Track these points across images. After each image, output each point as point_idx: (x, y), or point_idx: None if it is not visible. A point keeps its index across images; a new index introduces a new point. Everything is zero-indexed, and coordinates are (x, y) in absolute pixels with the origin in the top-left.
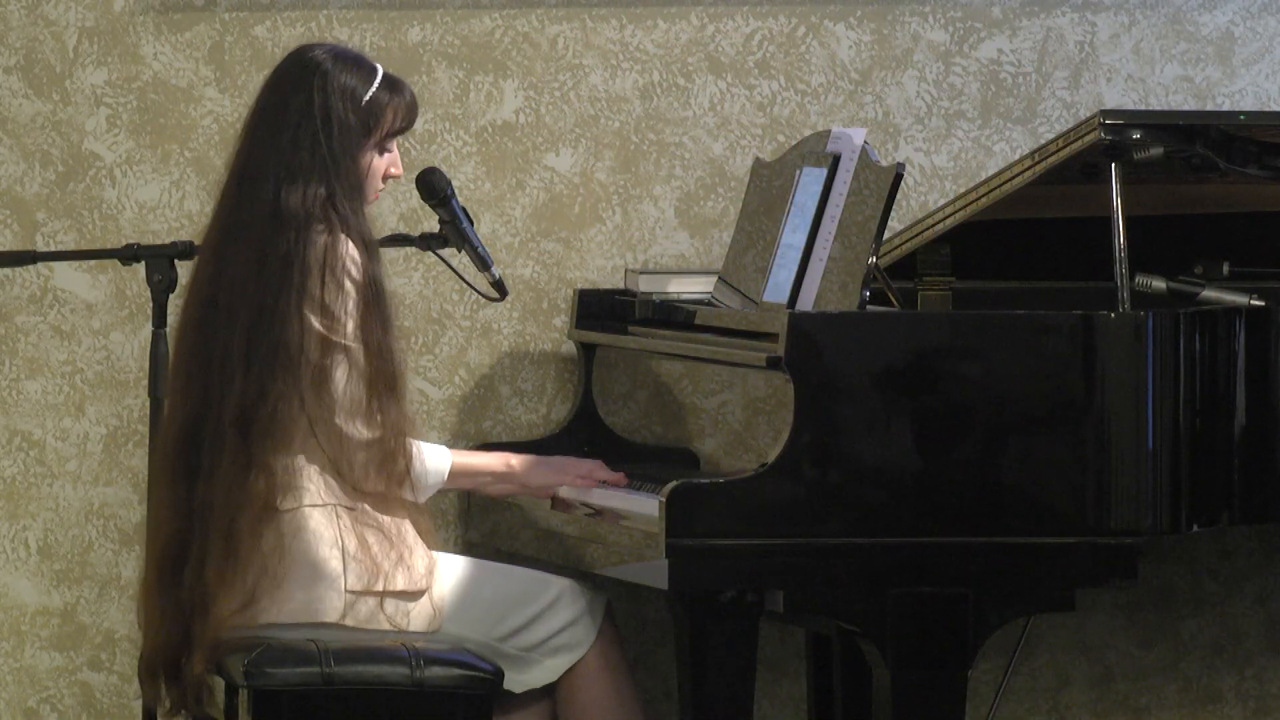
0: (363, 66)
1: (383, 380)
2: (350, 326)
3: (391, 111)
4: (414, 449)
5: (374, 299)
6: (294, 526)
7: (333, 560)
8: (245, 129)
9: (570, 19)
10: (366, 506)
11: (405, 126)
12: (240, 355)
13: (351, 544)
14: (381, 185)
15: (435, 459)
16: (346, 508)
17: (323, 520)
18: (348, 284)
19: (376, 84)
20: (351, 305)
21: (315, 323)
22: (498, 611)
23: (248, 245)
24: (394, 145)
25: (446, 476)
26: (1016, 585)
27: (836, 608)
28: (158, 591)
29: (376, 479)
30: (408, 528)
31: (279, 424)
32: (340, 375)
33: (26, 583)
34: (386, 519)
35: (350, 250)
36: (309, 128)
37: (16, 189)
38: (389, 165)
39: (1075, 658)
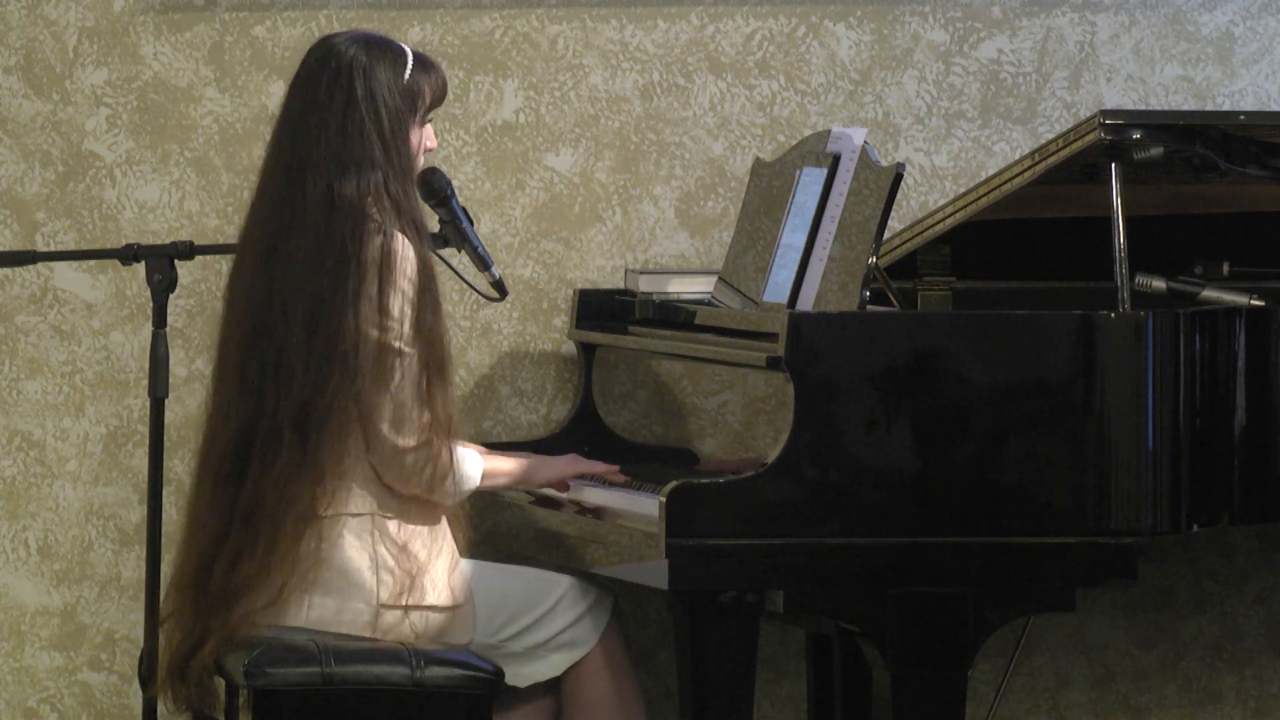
0: (394, 49)
1: (434, 366)
2: (405, 328)
3: (429, 87)
4: (456, 456)
5: (425, 283)
6: (332, 533)
7: (366, 571)
8: (282, 127)
9: (570, 19)
10: (405, 519)
11: (440, 100)
12: (300, 353)
13: (386, 556)
14: (421, 164)
15: (469, 466)
16: (383, 518)
17: (360, 530)
18: (404, 284)
19: (410, 64)
20: (408, 307)
21: (372, 327)
22: (503, 614)
23: (303, 240)
24: (431, 119)
25: (478, 481)
26: (1016, 585)
27: (836, 608)
28: (193, 592)
29: (418, 483)
30: (445, 538)
31: (335, 421)
32: (394, 381)
33: (26, 583)
34: (424, 530)
35: (406, 250)
36: (355, 117)
37: (16, 189)
38: (426, 140)
39: (1075, 658)
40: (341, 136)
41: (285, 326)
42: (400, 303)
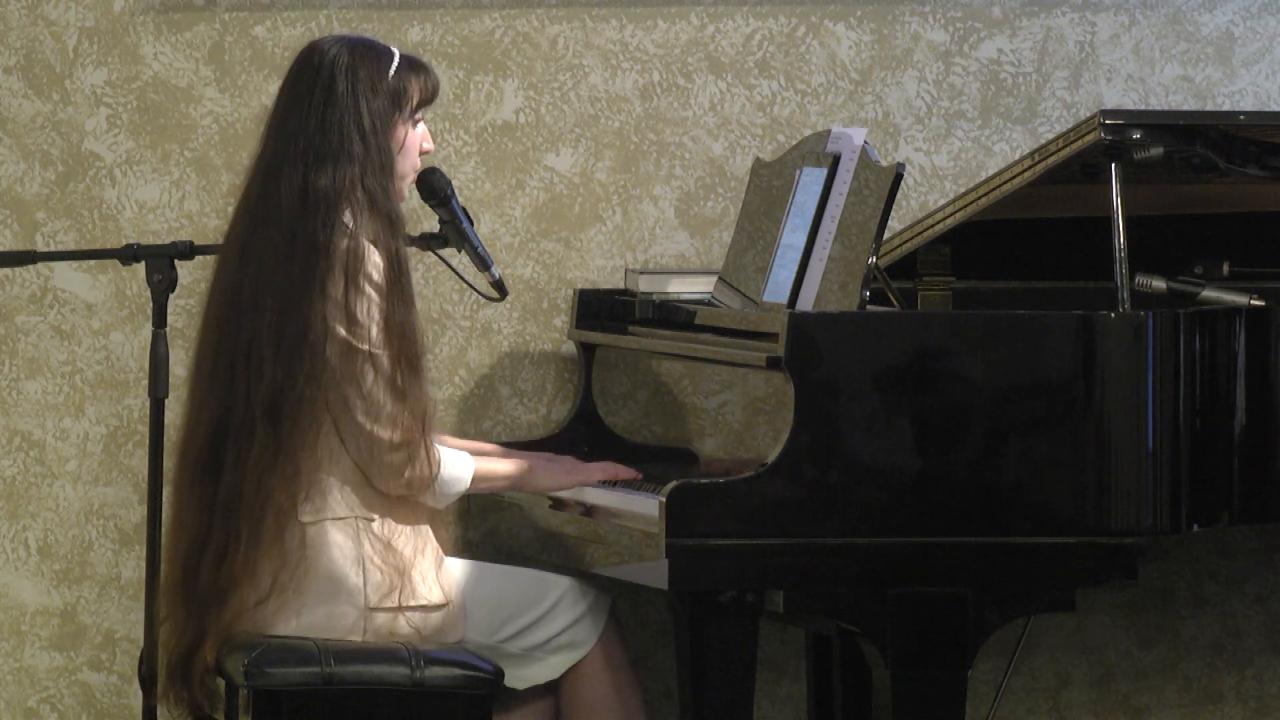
0: (378, 49)
1: (406, 361)
2: (373, 332)
3: (416, 86)
4: (439, 455)
5: (397, 278)
6: (315, 540)
7: (352, 576)
8: (268, 126)
9: (570, 19)
10: (388, 519)
11: (430, 99)
12: (270, 343)
13: (372, 558)
14: (417, 164)
15: (458, 467)
16: (366, 520)
17: (343, 534)
18: (369, 289)
19: (396, 63)
20: (375, 310)
21: (340, 330)
22: (501, 615)
23: (276, 233)
24: (422, 118)
25: (469, 484)
26: (1016, 585)
27: (836, 608)
28: (183, 591)
29: (401, 482)
30: (429, 537)
31: (306, 413)
32: (368, 380)
33: (26, 583)
34: (407, 529)
35: (371, 254)
36: (334, 114)
37: (16, 189)
38: (421, 140)
39: (1075, 658)
40: (320, 133)
41: (255, 317)
42: (366, 306)
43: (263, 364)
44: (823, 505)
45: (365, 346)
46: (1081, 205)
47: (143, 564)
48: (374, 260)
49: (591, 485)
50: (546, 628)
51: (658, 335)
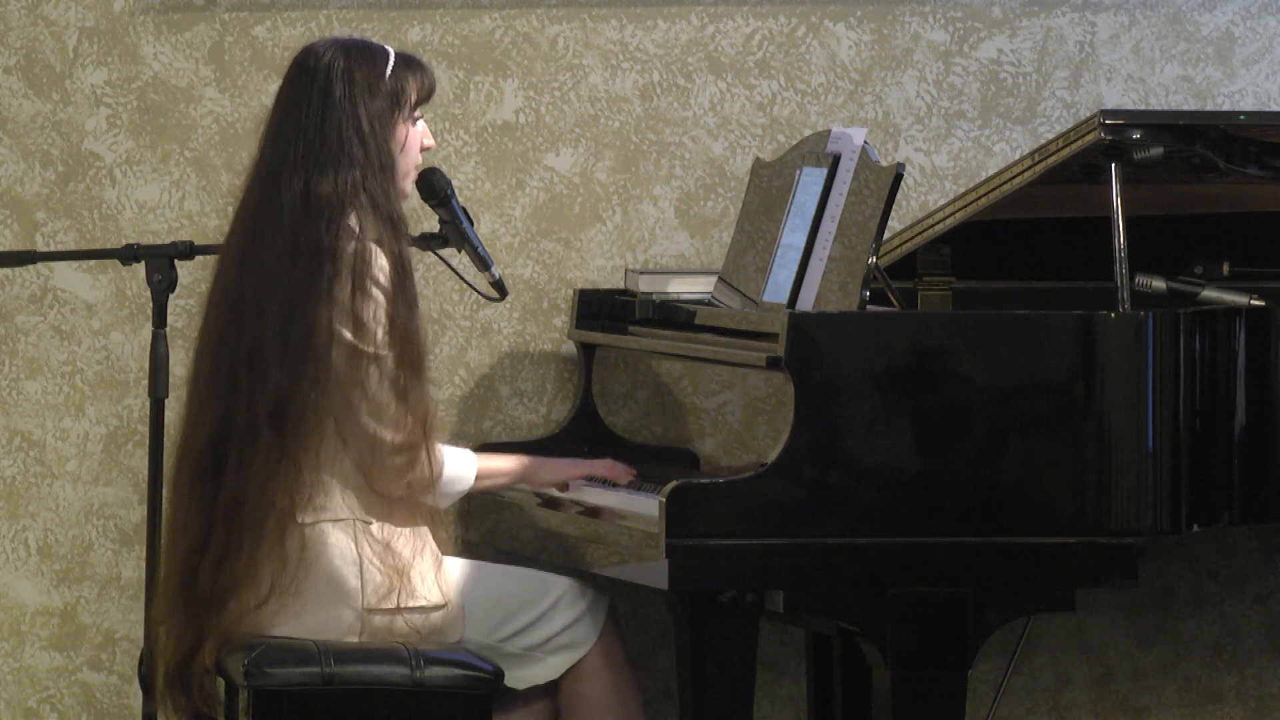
0: (373, 49)
1: (409, 363)
2: (379, 335)
3: (414, 84)
4: (441, 456)
5: (401, 280)
6: (314, 541)
7: (350, 578)
8: (266, 132)
9: (570, 19)
10: (387, 520)
11: (428, 96)
12: (275, 347)
13: (370, 560)
14: (419, 161)
15: (461, 466)
16: (364, 522)
17: (342, 536)
18: (376, 292)
19: (392, 63)
20: (381, 313)
21: (346, 334)
22: (500, 614)
23: (279, 237)
24: (421, 115)
25: (471, 482)
26: (1016, 585)
27: (836, 608)
28: (181, 595)
29: (402, 484)
30: (427, 539)
31: (311, 416)
32: (372, 383)
33: (26, 583)
34: (406, 530)
35: (378, 257)
36: (333, 118)
37: (16, 189)
38: (422, 137)
39: (1075, 658)
40: (320, 137)
41: (259, 321)
42: (373, 309)
43: (267, 368)
44: (823, 505)
45: (371, 349)
46: (1081, 205)
47: (143, 564)
48: (380, 263)
49: (591, 485)
50: (545, 627)
51: (658, 335)
